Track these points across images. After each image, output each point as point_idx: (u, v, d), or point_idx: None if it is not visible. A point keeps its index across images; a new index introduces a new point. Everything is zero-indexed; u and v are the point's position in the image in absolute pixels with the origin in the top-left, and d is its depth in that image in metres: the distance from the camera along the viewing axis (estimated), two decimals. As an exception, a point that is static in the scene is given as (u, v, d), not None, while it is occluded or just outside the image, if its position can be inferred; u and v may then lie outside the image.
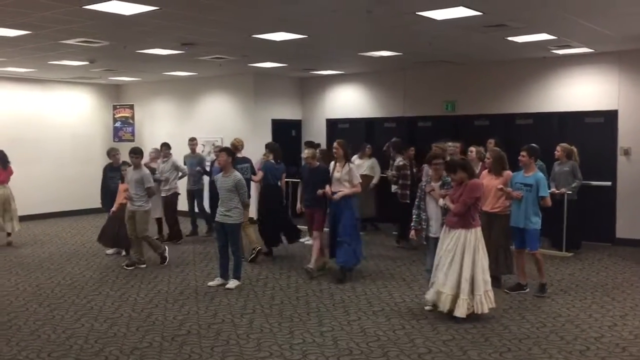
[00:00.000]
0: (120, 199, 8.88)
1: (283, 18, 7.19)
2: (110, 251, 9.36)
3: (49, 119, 13.78)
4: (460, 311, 5.84)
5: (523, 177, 6.88)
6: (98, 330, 5.75)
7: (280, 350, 5.20)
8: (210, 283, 7.48)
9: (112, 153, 9.83)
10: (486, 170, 7.32)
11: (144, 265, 8.51)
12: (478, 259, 5.89)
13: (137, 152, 8.53)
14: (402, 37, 8.47)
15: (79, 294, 7.07)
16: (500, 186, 6.94)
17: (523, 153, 6.95)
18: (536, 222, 6.79)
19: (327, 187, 7.67)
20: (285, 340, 5.44)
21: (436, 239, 6.25)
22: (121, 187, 8.94)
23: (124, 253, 9.25)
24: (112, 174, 9.63)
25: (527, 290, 7.00)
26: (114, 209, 8.97)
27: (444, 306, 5.94)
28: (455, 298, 5.88)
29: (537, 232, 6.83)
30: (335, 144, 7.88)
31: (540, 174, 6.89)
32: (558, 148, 9.11)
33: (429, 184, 6.43)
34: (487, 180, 7.10)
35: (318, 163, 8.06)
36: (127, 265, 8.45)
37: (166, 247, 8.96)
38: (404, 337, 5.52)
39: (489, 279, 6.00)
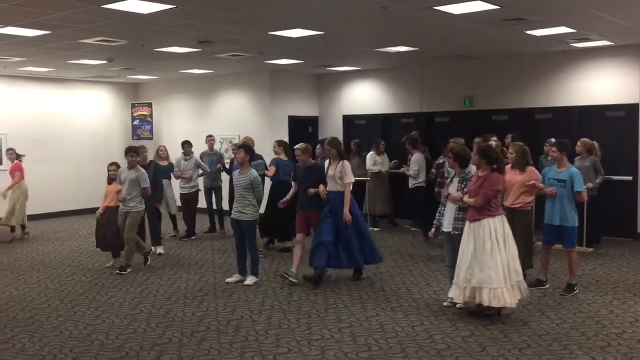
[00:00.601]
0: (108, 200, 8.28)
1: (299, 14, 7.20)
2: (109, 264, 8.49)
3: (69, 118, 13.94)
4: (510, 300, 5.66)
5: (556, 173, 6.72)
6: (118, 326, 5.82)
7: (298, 346, 5.22)
8: (228, 280, 7.52)
9: (140, 150, 9.43)
10: (509, 166, 7.23)
11: (129, 270, 8.02)
12: (508, 246, 5.76)
13: (135, 151, 8.27)
14: (419, 32, 8.43)
15: (100, 290, 7.15)
16: (532, 182, 6.80)
17: (553, 148, 6.84)
18: (574, 218, 6.64)
19: (321, 187, 7.28)
20: (303, 336, 5.45)
21: (447, 234, 6.21)
22: (111, 188, 8.35)
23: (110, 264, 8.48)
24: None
25: (547, 286, 6.92)
26: (100, 211, 8.35)
27: (496, 301, 5.64)
28: (501, 290, 5.65)
29: (574, 230, 6.67)
30: (326, 144, 7.50)
31: (574, 169, 6.71)
32: (578, 143, 8.99)
33: (448, 184, 6.35)
34: (510, 176, 6.96)
35: (313, 161, 7.86)
36: (120, 270, 8.00)
37: (151, 248, 8.88)
38: (422, 334, 5.51)
39: (519, 268, 5.86)
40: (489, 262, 5.65)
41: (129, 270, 8.03)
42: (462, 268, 5.83)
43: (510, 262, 5.75)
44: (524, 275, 6.90)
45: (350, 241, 7.23)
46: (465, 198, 5.89)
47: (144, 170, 8.24)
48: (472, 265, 5.74)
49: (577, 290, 6.75)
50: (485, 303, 5.71)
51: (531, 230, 6.98)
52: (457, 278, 5.90)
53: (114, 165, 8.46)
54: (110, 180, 8.41)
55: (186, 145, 10.71)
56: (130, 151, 8.25)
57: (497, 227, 5.73)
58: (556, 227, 6.70)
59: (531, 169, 6.93)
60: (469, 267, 5.77)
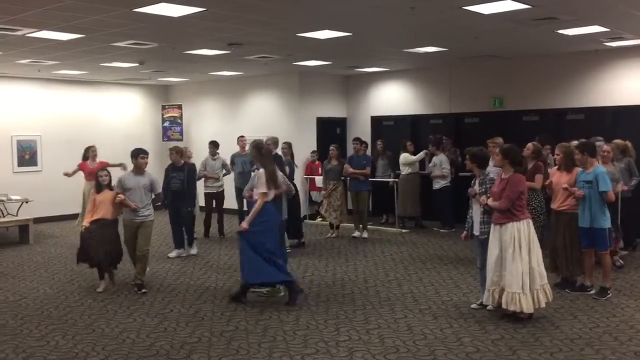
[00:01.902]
0: (103, 212, 7.12)
1: (327, 16, 7.21)
2: (101, 288, 7.21)
3: (101, 120, 14.20)
4: (527, 307, 5.64)
5: (585, 175, 6.62)
6: (149, 325, 5.90)
7: (326, 347, 5.22)
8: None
9: (176, 150, 9.19)
10: (555, 167, 7.14)
11: (145, 290, 7.12)
12: (534, 250, 5.72)
13: (146, 153, 7.26)
14: (448, 32, 8.37)
15: (132, 289, 7.25)
16: (565, 185, 6.75)
17: (576, 150, 6.74)
18: (603, 220, 6.50)
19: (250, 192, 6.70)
20: (331, 337, 5.46)
21: (477, 237, 6.16)
22: (105, 197, 7.17)
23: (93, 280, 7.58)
24: (174, 174, 9.05)
25: (592, 292, 6.74)
26: (85, 224, 7.19)
27: (513, 305, 5.65)
28: (518, 295, 5.64)
29: (604, 232, 6.52)
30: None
31: (601, 169, 6.56)
32: (611, 144, 8.81)
33: (472, 185, 6.30)
34: (557, 177, 6.92)
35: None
36: (138, 290, 7.08)
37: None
38: (451, 336, 5.46)
39: (544, 272, 5.81)
40: (509, 266, 5.66)
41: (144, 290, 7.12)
42: (490, 271, 5.83)
43: (535, 267, 5.71)
44: (575, 282, 6.87)
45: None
46: (490, 201, 5.83)
47: (153, 175, 7.29)
48: (497, 268, 5.75)
49: (610, 294, 6.61)
50: (503, 306, 5.72)
51: (577, 235, 6.78)
52: (487, 281, 5.90)
53: (105, 170, 7.40)
54: (100, 188, 7.27)
55: (212, 145, 10.83)
56: (141, 153, 7.20)
57: (522, 231, 5.70)
58: (587, 229, 6.58)
59: (576, 169, 6.81)
60: (495, 270, 5.77)
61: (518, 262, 5.65)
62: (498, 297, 5.78)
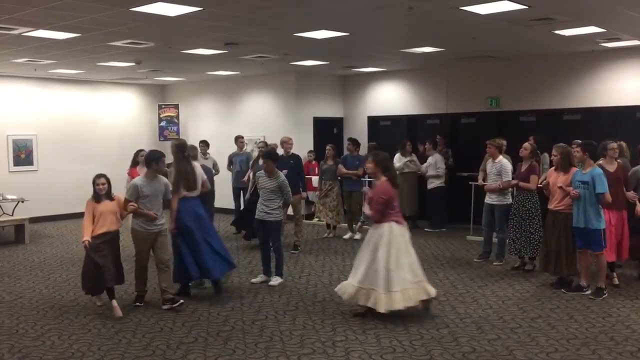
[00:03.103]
0: (108, 224, 6.26)
1: (324, 16, 7.21)
2: (99, 302, 6.53)
3: (97, 119, 14.17)
4: (381, 306, 5.73)
5: (581, 175, 6.65)
6: (145, 325, 5.89)
7: (323, 347, 5.22)
8: (253, 280, 7.56)
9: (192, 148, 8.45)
10: (553, 168, 7.16)
11: (182, 301, 6.47)
12: (393, 254, 5.82)
13: (163, 157, 6.54)
14: (445, 32, 8.38)
15: (127, 289, 7.23)
16: (560, 185, 6.79)
17: (577, 148, 6.78)
18: (599, 221, 6.54)
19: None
20: (327, 338, 5.46)
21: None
22: (107, 207, 6.31)
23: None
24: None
25: (588, 292, 6.74)
26: (87, 238, 6.18)
27: (360, 301, 5.91)
28: (371, 293, 5.81)
29: (598, 232, 6.55)
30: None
31: (598, 170, 6.59)
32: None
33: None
34: (554, 178, 6.97)
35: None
36: (173, 304, 6.37)
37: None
38: (447, 336, 5.47)
39: (408, 277, 5.85)
40: (372, 265, 5.84)
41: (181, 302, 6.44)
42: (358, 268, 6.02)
43: (393, 270, 5.78)
44: (571, 282, 6.89)
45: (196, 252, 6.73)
46: (366, 210, 6.17)
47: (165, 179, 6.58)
48: (362, 266, 5.94)
49: (606, 294, 6.63)
50: (362, 302, 5.92)
51: (572, 235, 6.82)
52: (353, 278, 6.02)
53: (103, 177, 6.41)
54: (99, 198, 6.34)
55: (203, 144, 10.82)
56: (163, 156, 6.50)
57: (385, 233, 5.87)
58: (582, 229, 6.62)
59: (573, 169, 6.86)
60: (358, 267, 6.01)
61: (380, 262, 5.78)
62: (355, 294, 5.92)
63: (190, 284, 7.03)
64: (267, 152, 7.80)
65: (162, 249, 6.45)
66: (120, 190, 6.74)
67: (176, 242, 6.78)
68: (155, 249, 6.43)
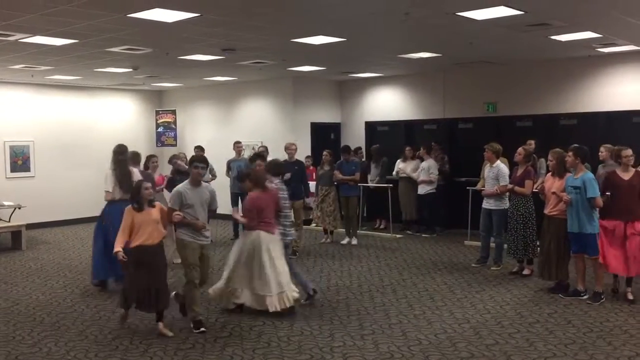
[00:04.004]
0: (146, 236, 5.66)
1: (322, 21, 7.22)
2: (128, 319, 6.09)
3: (94, 125, 14.14)
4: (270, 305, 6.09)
5: (573, 180, 6.67)
6: (142, 332, 5.86)
7: (320, 352, 5.21)
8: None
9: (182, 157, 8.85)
10: (549, 173, 7.18)
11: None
12: (265, 260, 6.11)
13: (205, 162, 6.08)
14: (442, 38, 8.40)
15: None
16: (553, 190, 6.80)
17: (569, 153, 6.78)
18: (592, 225, 6.53)
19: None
20: (325, 343, 5.44)
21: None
22: (148, 215, 5.71)
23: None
24: (178, 178, 8.18)
25: (585, 297, 6.74)
26: (119, 247, 5.65)
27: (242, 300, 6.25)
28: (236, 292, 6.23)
29: (593, 237, 6.56)
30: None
31: (589, 175, 6.62)
32: (602, 149, 8.85)
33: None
34: (550, 183, 7.00)
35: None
36: (196, 327, 5.81)
37: None
38: (445, 341, 5.46)
39: (267, 282, 6.10)
40: (241, 269, 6.22)
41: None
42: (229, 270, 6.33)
43: (267, 274, 6.11)
44: (568, 286, 6.90)
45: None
46: (239, 217, 6.53)
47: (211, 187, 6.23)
48: (235, 269, 6.29)
49: (604, 299, 6.64)
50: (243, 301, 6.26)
51: (566, 240, 6.82)
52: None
53: (148, 182, 5.97)
54: (141, 206, 5.72)
55: (198, 150, 10.83)
56: (195, 161, 5.94)
57: (254, 240, 6.19)
58: (577, 234, 6.63)
59: (568, 174, 6.86)
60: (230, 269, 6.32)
61: (247, 267, 6.17)
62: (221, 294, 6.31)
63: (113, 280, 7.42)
64: (270, 162, 7.73)
65: (207, 265, 6.03)
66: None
67: (98, 240, 7.28)
68: (205, 263, 5.98)
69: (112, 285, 7.51)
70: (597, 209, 6.58)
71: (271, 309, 6.11)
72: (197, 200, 5.80)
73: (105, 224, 7.31)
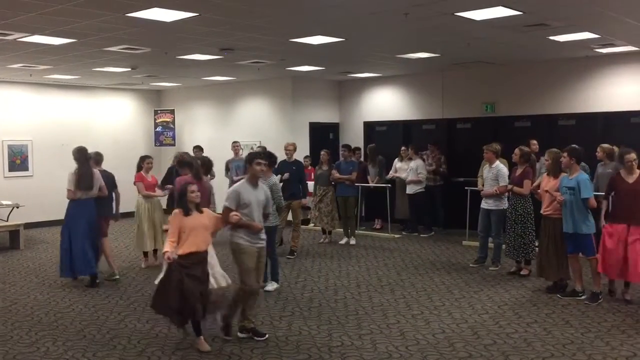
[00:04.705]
0: (198, 242, 5.25)
1: (320, 21, 7.22)
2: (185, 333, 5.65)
3: (93, 125, 14.14)
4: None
5: (567, 180, 6.69)
6: (140, 331, 5.87)
7: (319, 352, 5.21)
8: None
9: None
10: (545, 173, 7.20)
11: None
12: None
13: (265, 158, 5.86)
14: (441, 38, 8.40)
15: (122, 295, 7.23)
16: (546, 189, 6.84)
17: (564, 154, 6.79)
18: (588, 226, 6.55)
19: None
20: (324, 343, 5.45)
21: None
22: (197, 220, 5.29)
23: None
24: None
25: (583, 297, 6.75)
26: (169, 249, 5.15)
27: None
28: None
29: (588, 237, 6.58)
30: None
31: (583, 175, 6.65)
32: (598, 149, 8.86)
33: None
34: (545, 183, 7.04)
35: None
36: (255, 334, 5.58)
37: None
38: (443, 341, 5.47)
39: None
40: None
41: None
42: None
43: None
44: (566, 286, 6.96)
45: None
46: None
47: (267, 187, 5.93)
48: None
49: (602, 299, 6.65)
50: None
51: (562, 239, 6.84)
52: None
53: (195, 185, 5.43)
54: (188, 210, 5.29)
55: (197, 149, 10.84)
56: (257, 157, 5.52)
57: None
58: (572, 235, 6.65)
59: (562, 175, 6.89)
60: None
61: None
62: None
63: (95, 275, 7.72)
64: (265, 154, 7.75)
65: (261, 270, 5.68)
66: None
67: (65, 240, 7.61)
68: (259, 268, 5.62)
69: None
70: (592, 209, 6.61)
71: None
72: (254, 200, 5.44)
73: (69, 223, 7.66)
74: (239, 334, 5.58)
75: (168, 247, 5.14)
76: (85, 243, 7.54)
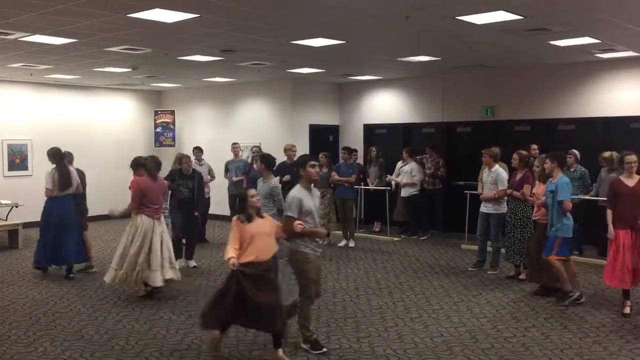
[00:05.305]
0: (261, 250, 4.94)
1: (322, 24, 7.23)
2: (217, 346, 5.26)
3: (93, 125, 14.14)
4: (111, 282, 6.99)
5: (550, 185, 6.82)
6: (138, 332, 5.86)
7: (317, 355, 5.20)
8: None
9: (183, 160, 8.79)
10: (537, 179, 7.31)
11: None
12: (136, 240, 6.88)
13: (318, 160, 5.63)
14: (441, 42, 8.41)
15: (121, 295, 7.22)
16: (522, 191, 7.03)
17: (546, 160, 6.92)
18: (558, 228, 6.64)
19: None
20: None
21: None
22: (260, 227, 5.01)
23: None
24: (181, 182, 8.65)
25: (580, 298, 6.78)
26: (233, 255, 4.86)
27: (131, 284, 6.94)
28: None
29: (554, 239, 6.67)
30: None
31: (563, 179, 6.73)
32: (600, 159, 8.90)
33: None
34: (537, 188, 7.18)
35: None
36: (314, 348, 5.26)
37: None
38: (442, 345, 5.46)
39: (139, 261, 6.84)
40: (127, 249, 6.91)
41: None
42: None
43: (132, 253, 6.87)
44: (554, 289, 6.97)
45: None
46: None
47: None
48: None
49: (573, 297, 6.70)
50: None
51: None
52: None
53: (254, 189, 5.40)
54: (249, 217, 5.00)
55: (197, 151, 10.85)
56: (311, 160, 5.28)
57: (133, 224, 7.00)
58: (553, 237, 6.74)
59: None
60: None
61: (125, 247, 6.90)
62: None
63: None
64: (263, 156, 7.75)
65: (320, 278, 5.39)
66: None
67: (44, 233, 8.16)
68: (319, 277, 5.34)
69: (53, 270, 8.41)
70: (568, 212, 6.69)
71: (157, 284, 6.90)
72: (313, 205, 5.15)
73: (46, 218, 8.24)
74: (302, 344, 5.27)
75: (232, 253, 4.83)
76: (69, 236, 8.07)
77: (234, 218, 5.04)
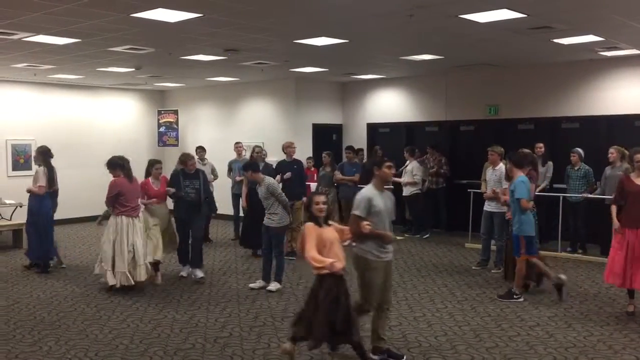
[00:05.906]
0: (336, 257, 4.73)
1: (325, 23, 7.23)
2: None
3: (96, 125, 14.17)
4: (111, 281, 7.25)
5: (512, 184, 6.97)
6: (143, 331, 5.87)
7: (321, 354, 5.20)
8: (251, 285, 7.55)
9: (188, 159, 8.14)
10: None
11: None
12: (117, 240, 7.22)
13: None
14: (444, 40, 8.40)
15: (125, 295, 7.23)
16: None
17: (509, 162, 7.08)
18: (519, 228, 6.75)
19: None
20: (325, 344, 5.43)
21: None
22: (332, 232, 4.84)
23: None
24: (187, 182, 7.95)
25: (521, 299, 6.85)
26: (335, 260, 4.65)
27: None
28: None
29: (516, 238, 6.81)
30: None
31: (520, 178, 6.80)
32: (612, 150, 8.79)
33: None
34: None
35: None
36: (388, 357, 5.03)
37: None
38: (445, 344, 5.46)
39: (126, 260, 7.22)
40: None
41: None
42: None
43: (118, 252, 7.24)
44: (527, 286, 7.12)
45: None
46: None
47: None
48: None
49: (518, 298, 6.80)
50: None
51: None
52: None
53: (323, 195, 4.94)
54: (319, 221, 4.79)
55: (200, 150, 10.86)
56: (386, 161, 5.06)
57: (113, 223, 7.31)
58: (516, 236, 6.86)
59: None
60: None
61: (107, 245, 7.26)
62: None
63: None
64: (245, 164, 7.85)
65: (389, 284, 5.07)
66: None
67: (31, 228, 8.51)
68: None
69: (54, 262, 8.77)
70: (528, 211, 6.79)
71: (140, 278, 7.27)
72: (384, 207, 4.89)
73: (39, 216, 8.47)
74: (372, 355, 4.97)
75: (325, 258, 4.59)
76: (50, 231, 8.54)
77: (309, 225, 4.78)
